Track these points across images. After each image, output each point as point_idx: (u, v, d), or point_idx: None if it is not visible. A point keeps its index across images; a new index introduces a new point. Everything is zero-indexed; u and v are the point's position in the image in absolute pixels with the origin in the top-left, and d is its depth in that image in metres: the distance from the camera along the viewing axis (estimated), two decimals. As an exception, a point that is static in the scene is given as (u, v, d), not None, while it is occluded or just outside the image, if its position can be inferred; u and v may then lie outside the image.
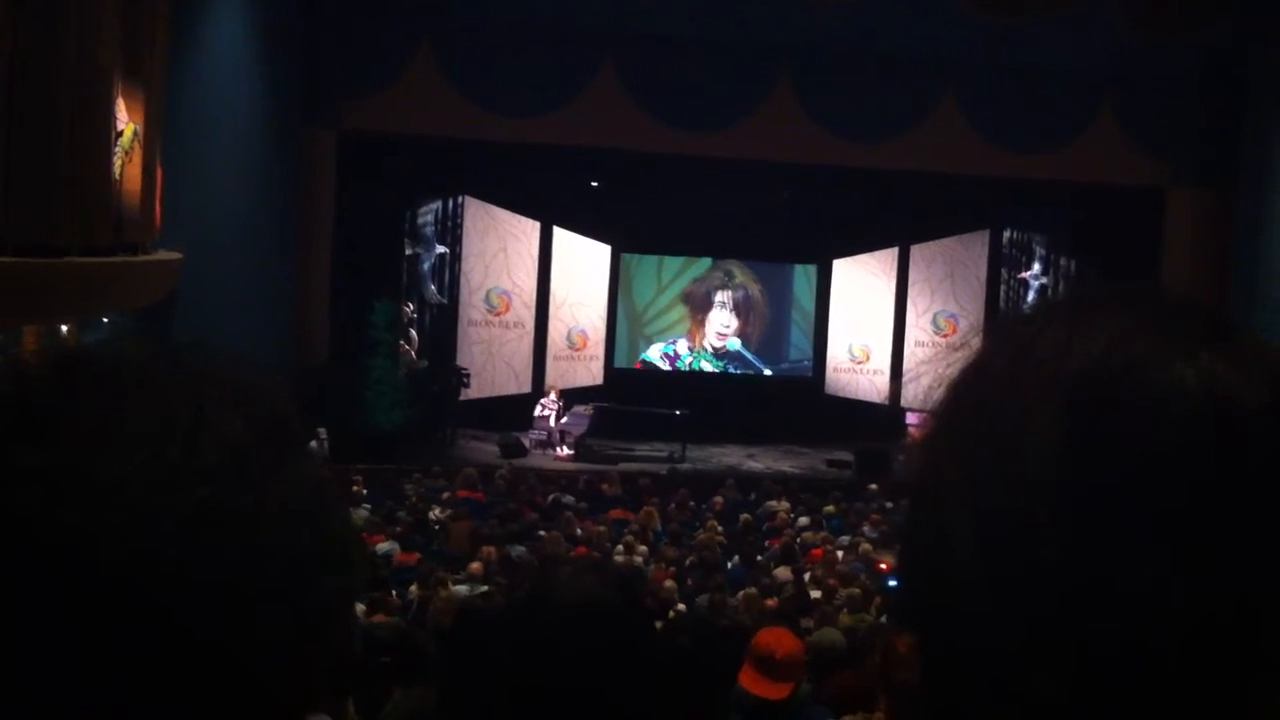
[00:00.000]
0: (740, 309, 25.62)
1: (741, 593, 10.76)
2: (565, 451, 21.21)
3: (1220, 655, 0.61)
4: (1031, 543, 0.64)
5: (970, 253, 25.19)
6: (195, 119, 15.96)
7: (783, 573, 12.35)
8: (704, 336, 25.59)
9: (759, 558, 13.35)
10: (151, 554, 0.67)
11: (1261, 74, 19.91)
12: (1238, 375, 0.65)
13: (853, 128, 20.74)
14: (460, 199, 23.03)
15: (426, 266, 22.81)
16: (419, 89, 20.02)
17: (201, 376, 0.76)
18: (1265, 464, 0.63)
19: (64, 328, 13.23)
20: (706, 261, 25.48)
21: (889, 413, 22.97)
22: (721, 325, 25.58)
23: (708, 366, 25.62)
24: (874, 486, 17.73)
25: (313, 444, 16.87)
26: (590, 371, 24.85)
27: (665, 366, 25.40)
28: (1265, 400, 0.65)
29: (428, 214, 22.77)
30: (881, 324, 25.71)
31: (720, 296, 25.56)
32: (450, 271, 23.15)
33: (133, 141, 12.86)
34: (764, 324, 25.88)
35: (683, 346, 25.56)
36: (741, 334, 25.68)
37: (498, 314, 23.66)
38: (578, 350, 24.76)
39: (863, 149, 20.89)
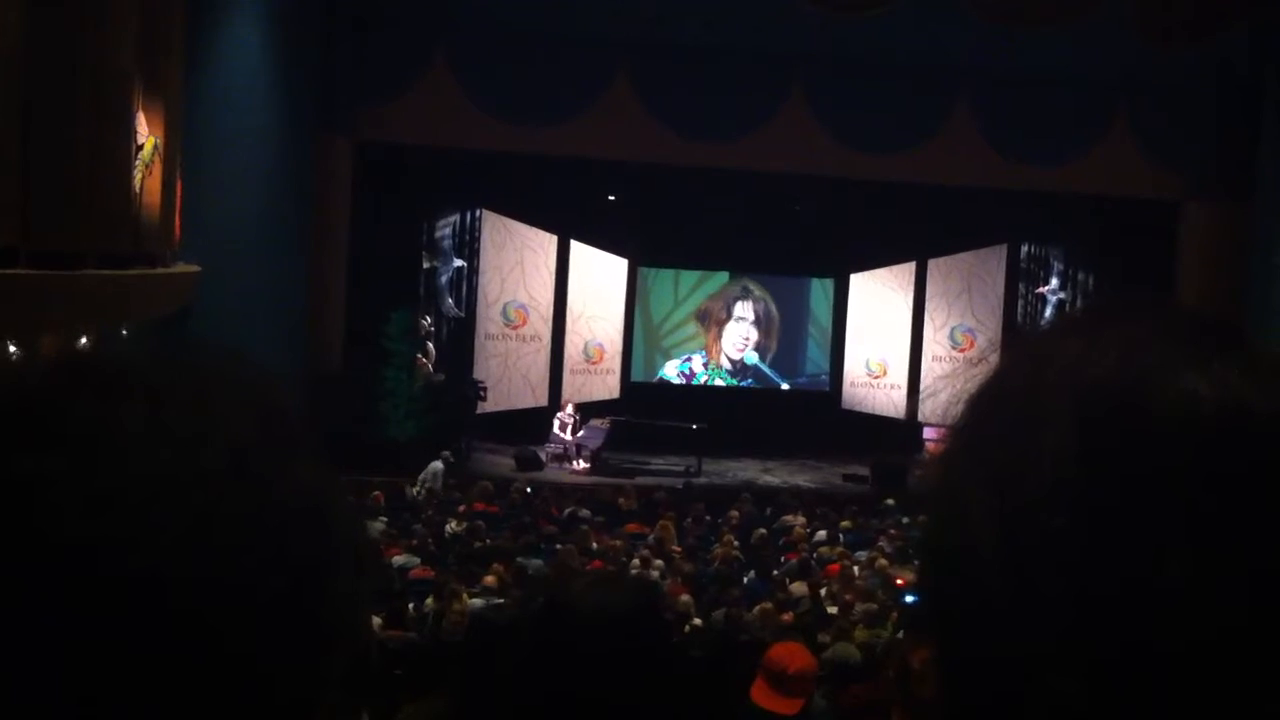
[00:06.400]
0: (760, 321, 25.62)
1: (758, 607, 10.74)
2: (581, 465, 21.22)
3: (1238, 658, 0.61)
4: (1051, 547, 0.65)
5: (987, 267, 25.15)
6: (211, 129, 16.00)
7: (799, 587, 12.33)
8: (720, 352, 25.59)
9: (775, 572, 13.33)
10: (155, 558, 0.66)
11: (1277, 85, 19.87)
12: (1250, 384, 0.66)
13: (866, 139, 20.76)
14: (478, 212, 23.07)
15: (444, 279, 22.84)
16: (433, 98, 20.10)
17: (206, 378, 0.76)
18: (1277, 472, 0.64)
19: (82, 339, 13.27)
20: (723, 276, 25.50)
21: (906, 427, 22.93)
22: (740, 337, 25.57)
23: (722, 383, 25.62)
24: (891, 501, 17.69)
25: (436, 463, 17.15)
26: (607, 385, 24.87)
27: (681, 383, 25.42)
28: (1277, 409, 0.65)
29: (445, 227, 22.81)
30: (899, 338, 25.68)
31: (740, 309, 25.57)
32: (467, 284, 23.18)
33: (153, 154, 12.92)
34: (779, 340, 25.88)
35: (698, 363, 25.57)
36: (760, 347, 25.69)
37: (515, 327, 23.69)
38: (594, 364, 24.78)
39: (876, 160, 20.89)
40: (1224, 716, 0.62)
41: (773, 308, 25.80)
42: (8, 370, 0.74)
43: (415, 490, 17.09)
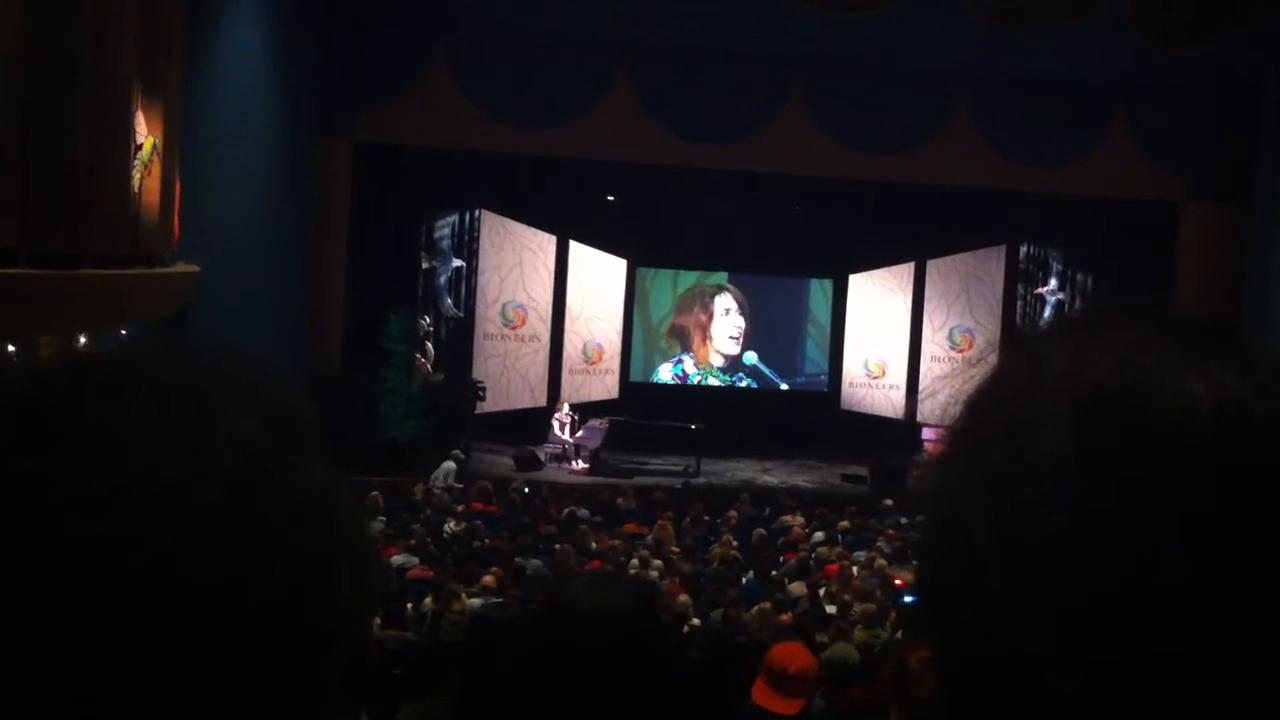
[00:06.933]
0: (744, 309, 25.53)
1: (756, 608, 10.74)
2: (580, 465, 21.20)
3: (1237, 658, 0.62)
4: (1050, 548, 0.65)
5: (986, 268, 25.13)
6: (210, 130, 16.00)
7: (797, 588, 12.32)
8: (713, 351, 25.52)
9: (774, 572, 13.32)
10: (155, 557, 0.66)
11: (1277, 87, 19.87)
12: (1247, 385, 0.66)
13: (866, 140, 20.78)
14: (477, 213, 23.07)
15: (443, 280, 22.85)
16: (433, 98, 20.12)
17: (212, 378, 0.75)
18: (1275, 472, 0.64)
19: (81, 339, 13.28)
20: (722, 275, 25.49)
21: (905, 428, 22.91)
22: (734, 327, 25.50)
23: (717, 383, 25.58)
24: (889, 502, 17.69)
25: (449, 463, 17.19)
26: (605, 385, 24.85)
27: (676, 384, 25.40)
28: (1275, 410, 0.65)
29: (444, 227, 22.82)
30: (897, 339, 25.65)
31: (720, 302, 25.49)
32: (466, 285, 23.18)
33: (151, 155, 12.92)
34: (768, 333, 25.74)
35: (689, 365, 25.53)
36: (747, 336, 25.55)
37: (513, 327, 23.67)
38: (593, 364, 24.75)
39: (876, 161, 20.92)
40: (1223, 716, 0.62)
41: (747, 300, 25.71)
42: (8, 370, 0.74)
43: (428, 489, 17.11)
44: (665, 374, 25.49)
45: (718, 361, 25.62)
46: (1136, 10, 17.45)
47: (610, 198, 23.74)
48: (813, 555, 14.24)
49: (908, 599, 11.07)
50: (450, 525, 14.77)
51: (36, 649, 0.65)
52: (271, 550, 0.70)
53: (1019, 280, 25.17)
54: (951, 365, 23.19)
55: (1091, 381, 0.68)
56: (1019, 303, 25.03)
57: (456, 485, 17.47)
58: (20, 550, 0.66)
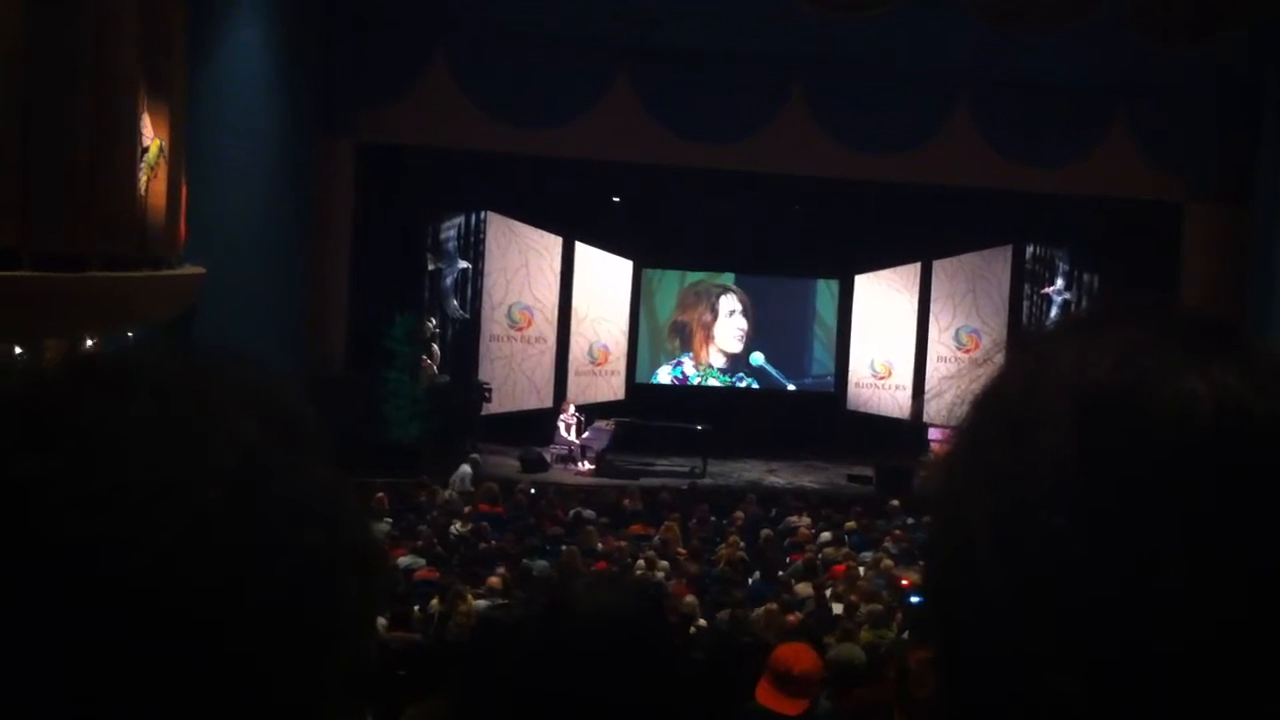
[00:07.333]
0: (748, 311, 25.52)
1: (762, 608, 10.74)
2: (586, 466, 21.20)
3: (1237, 658, 0.62)
4: (1050, 548, 0.65)
5: (992, 268, 25.12)
6: (212, 131, 15.98)
7: (804, 588, 12.32)
8: (715, 352, 25.49)
9: (780, 573, 13.33)
10: (155, 557, 0.66)
11: (1277, 87, 19.83)
12: (1248, 386, 0.66)
13: (866, 140, 20.77)
14: (482, 214, 23.08)
15: (449, 281, 22.87)
16: (433, 100, 20.13)
17: (213, 378, 0.76)
18: (1275, 472, 0.64)
19: (88, 342, 13.28)
20: (729, 276, 25.48)
21: (911, 428, 22.91)
22: (737, 329, 25.47)
23: (716, 383, 25.56)
24: (895, 502, 17.68)
25: (465, 467, 17.17)
26: (611, 386, 24.85)
27: (677, 387, 25.39)
28: (1275, 410, 0.66)
29: (450, 229, 22.85)
30: (904, 339, 25.64)
31: (725, 303, 25.49)
32: (472, 286, 23.20)
33: (158, 157, 12.92)
34: (770, 333, 25.74)
35: (689, 366, 25.50)
36: (749, 339, 25.53)
37: (519, 329, 23.68)
38: (599, 365, 24.75)
39: (876, 162, 20.90)
40: (1223, 716, 0.62)
41: (751, 302, 25.72)
42: (10, 371, 0.74)
43: (446, 493, 17.10)
44: (664, 376, 25.47)
45: (718, 362, 25.60)
46: (1136, 10, 17.44)
47: (615, 199, 23.75)
48: (819, 556, 14.23)
49: (914, 599, 11.06)
50: (457, 526, 14.77)
51: (37, 649, 0.65)
52: (272, 550, 0.70)
53: (1025, 280, 25.17)
54: (957, 365, 23.15)
55: (1092, 381, 0.68)
56: (1025, 303, 25.02)
57: (470, 489, 17.48)
58: (20, 550, 0.66)
